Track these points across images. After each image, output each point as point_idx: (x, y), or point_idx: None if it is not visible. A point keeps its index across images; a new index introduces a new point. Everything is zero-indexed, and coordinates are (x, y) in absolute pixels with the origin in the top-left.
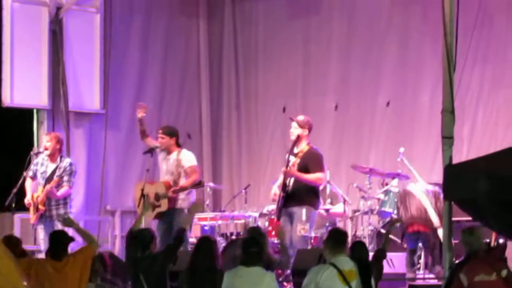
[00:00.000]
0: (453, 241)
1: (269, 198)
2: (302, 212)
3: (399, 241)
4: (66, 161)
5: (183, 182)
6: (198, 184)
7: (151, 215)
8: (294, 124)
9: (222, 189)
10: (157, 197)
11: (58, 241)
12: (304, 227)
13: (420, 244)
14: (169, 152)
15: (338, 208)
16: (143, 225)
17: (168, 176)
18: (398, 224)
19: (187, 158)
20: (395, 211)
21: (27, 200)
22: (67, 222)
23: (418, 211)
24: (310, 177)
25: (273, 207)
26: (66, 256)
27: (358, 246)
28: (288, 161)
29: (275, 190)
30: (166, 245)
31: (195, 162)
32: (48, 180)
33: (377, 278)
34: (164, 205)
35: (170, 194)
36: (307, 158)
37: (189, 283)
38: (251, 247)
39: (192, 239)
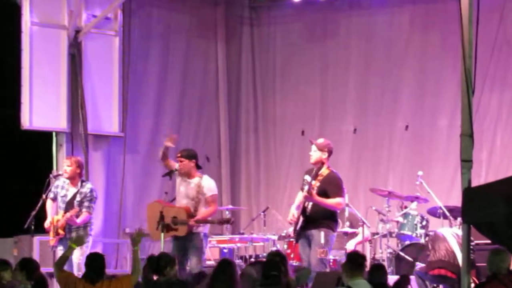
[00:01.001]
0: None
1: (287, 221)
2: (321, 235)
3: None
4: (87, 187)
5: (202, 209)
6: (227, 222)
7: (166, 236)
8: (313, 147)
9: (240, 211)
10: (175, 221)
11: (93, 265)
12: (323, 250)
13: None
14: (189, 176)
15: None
16: (162, 248)
17: (187, 200)
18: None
19: (209, 186)
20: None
21: (47, 224)
22: (138, 237)
23: (447, 256)
24: (330, 202)
25: (291, 229)
26: (101, 280)
27: (377, 270)
28: (310, 184)
29: (293, 211)
30: (185, 279)
31: (216, 191)
32: (69, 204)
33: None
34: (182, 231)
35: (191, 223)
36: (327, 182)
37: None
38: (271, 270)
39: (211, 262)
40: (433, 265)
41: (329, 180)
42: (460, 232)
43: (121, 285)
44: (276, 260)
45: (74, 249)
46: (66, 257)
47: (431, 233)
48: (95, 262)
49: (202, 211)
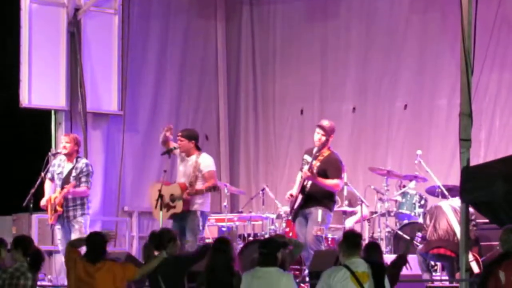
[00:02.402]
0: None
1: (285, 199)
2: (318, 213)
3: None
4: (83, 162)
5: (199, 186)
6: (213, 189)
7: (166, 215)
8: (320, 130)
9: (239, 191)
10: (172, 198)
11: (94, 242)
12: (319, 228)
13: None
14: (188, 154)
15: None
16: (160, 225)
17: (184, 178)
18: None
19: (206, 163)
20: (423, 225)
21: (43, 202)
22: None
23: (446, 234)
24: (329, 182)
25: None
26: (102, 261)
27: (372, 248)
28: (311, 164)
29: (292, 191)
30: (188, 255)
31: (213, 167)
32: (65, 180)
33: (393, 283)
34: (179, 207)
35: (185, 196)
36: (327, 163)
37: (207, 284)
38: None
39: (209, 240)
40: (433, 245)
41: (330, 161)
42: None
43: (122, 272)
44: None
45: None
46: (82, 240)
47: (432, 206)
48: (94, 241)
49: (198, 187)
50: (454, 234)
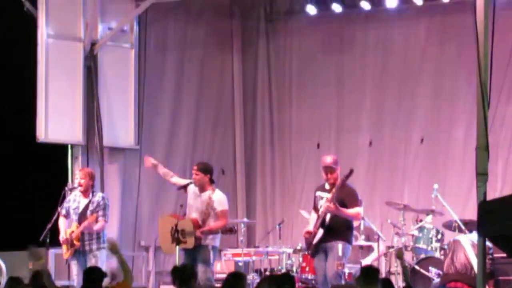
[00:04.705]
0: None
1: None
2: (339, 247)
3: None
4: (99, 196)
5: (211, 222)
6: (229, 231)
7: (175, 249)
8: (329, 170)
9: (256, 224)
10: (184, 233)
11: (92, 278)
12: (340, 263)
13: None
14: (202, 189)
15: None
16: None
17: (197, 214)
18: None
19: (220, 201)
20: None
21: (62, 237)
22: (114, 248)
23: (463, 268)
24: (351, 211)
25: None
26: None
27: (385, 284)
28: (332, 197)
29: (308, 228)
30: None
31: (226, 206)
32: (82, 215)
33: None
34: (190, 243)
35: (198, 234)
36: (343, 192)
37: None
38: (285, 283)
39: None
40: (450, 278)
41: (345, 191)
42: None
43: None
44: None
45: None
46: None
47: (451, 240)
48: (92, 274)
49: (211, 224)
50: (472, 268)
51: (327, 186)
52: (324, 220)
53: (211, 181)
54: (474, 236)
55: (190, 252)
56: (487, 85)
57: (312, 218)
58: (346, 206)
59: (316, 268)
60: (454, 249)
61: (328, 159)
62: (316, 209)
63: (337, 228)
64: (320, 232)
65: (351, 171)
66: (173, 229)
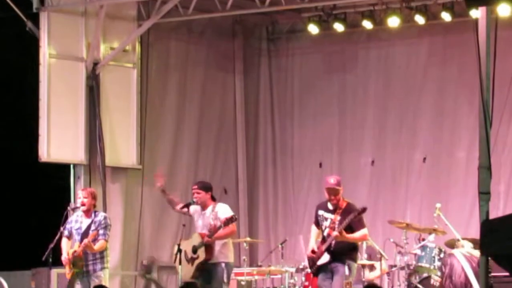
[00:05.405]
0: None
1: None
2: (345, 267)
3: None
4: (101, 215)
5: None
6: (230, 220)
7: (191, 269)
8: (332, 191)
9: (258, 243)
10: (194, 249)
11: None
12: (348, 282)
13: None
14: (204, 206)
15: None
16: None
17: (205, 230)
18: None
19: (223, 210)
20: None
21: (64, 257)
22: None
23: (461, 285)
24: (358, 236)
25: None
26: None
27: None
28: (340, 223)
29: (313, 245)
30: None
31: (231, 212)
32: (84, 234)
33: None
34: (201, 255)
35: (206, 240)
36: (348, 214)
37: None
38: None
39: None
40: None
41: (350, 212)
42: (474, 252)
43: None
44: None
45: None
46: None
47: (447, 255)
48: None
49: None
50: (471, 285)
51: (330, 206)
52: (330, 244)
53: (213, 198)
54: (466, 249)
55: (205, 274)
56: (489, 105)
57: (313, 233)
58: (352, 229)
59: (320, 286)
60: (451, 265)
61: (332, 180)
62: (317, 224)
63: (343, 251)
64: (326, 256)
65: (364, 209)
66: (177, 250)
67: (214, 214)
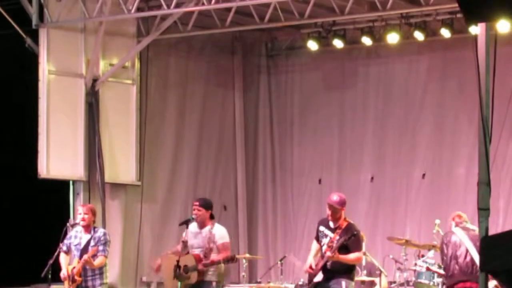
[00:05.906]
0: None
1: (305, 270)
2: (342, 284)
3: None
4: (101, 231)
5: (214, 257)
6: (231, 260)
7: (176, 286)
8: (332, 208)
9: (257, 259)
10: (186, 269)
11: None
12: None
13: None
14: (202, 225)
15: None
16: None
17: (199, 250)
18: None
19: (220, 234)
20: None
21: (63, 274)
22: None
23: (466, 266)
24: (351, 258)
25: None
26: None
27: None
28: (338, 244)
29: (311, 261)
30: None
31: (227, 239)
32: (84, 250)
33: None
34: (193, 278)
35: (200, 267)
36: (347, 235)
37: None
38: None
39: None
40: (456, 278)
41: (349, 233)
42: (472, 227)
43: None
44: None
45: None
46: None
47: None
48: None
49: (213, 257)
50: (474, 263)
51: (331, 224)
52: (326, 263)
53: (211, 217)
54: (469, 227)
55: None
56: (488, 121)
57: (313, 248)
58: (348, 250)
59: None
60: (453, 243)
61: (334, 197)
62: (317, 239)
63: (339, 270)
64: (320, 275)
65: (355, 234)
66: (175, 265)
67: (211, 236)
